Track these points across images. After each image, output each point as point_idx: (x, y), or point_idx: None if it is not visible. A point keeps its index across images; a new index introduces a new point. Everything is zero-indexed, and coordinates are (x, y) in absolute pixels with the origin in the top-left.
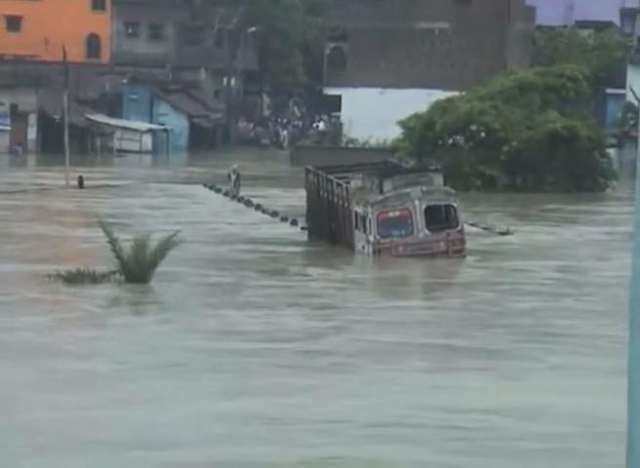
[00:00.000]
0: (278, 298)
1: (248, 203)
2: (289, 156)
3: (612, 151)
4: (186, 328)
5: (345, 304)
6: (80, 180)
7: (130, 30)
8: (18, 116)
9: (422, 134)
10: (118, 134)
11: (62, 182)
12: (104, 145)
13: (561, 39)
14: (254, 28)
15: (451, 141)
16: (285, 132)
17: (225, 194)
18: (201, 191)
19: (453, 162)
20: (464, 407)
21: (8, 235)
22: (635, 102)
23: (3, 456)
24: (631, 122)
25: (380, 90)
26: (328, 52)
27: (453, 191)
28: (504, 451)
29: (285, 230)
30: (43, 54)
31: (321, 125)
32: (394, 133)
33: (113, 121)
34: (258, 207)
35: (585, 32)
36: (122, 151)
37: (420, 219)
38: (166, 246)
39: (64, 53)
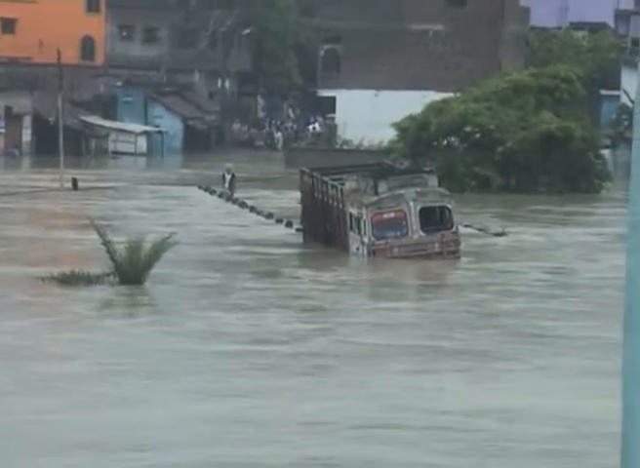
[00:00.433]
0: (267, 300)
1: (242, 204)
2: (283, 158)
3: (606, 152)
4: (173, 330)
5: (334, 306)
6: (74, 182)
7: (124, 33)
8: (12, 118)
9: (417, 135)
10: (113, 136)
11: (57, 184)
12: (99, 147)
13: (555, 40)
14: (248, 30)
15: (445, 143)
16: (279, 133)
17: (220, 196)
18: (196, 193)
19: (447, 163)
20: (444, 408)
21: (1, 237)
22: (629, 104)
23: None
24: (625, 123)
25: (374, 91)
26: (322, 53)
27: (447, 192)
28: (489, 453)
29: (280, 232)
30: (37, 56)
31: (316, 126)
32: (389, 134)
33: (108, 123)
34: (252, 208)
35: (580, 34)
36: (117, 153)
37: (414, 221)
38: (160, 248)
39: (59, 55)
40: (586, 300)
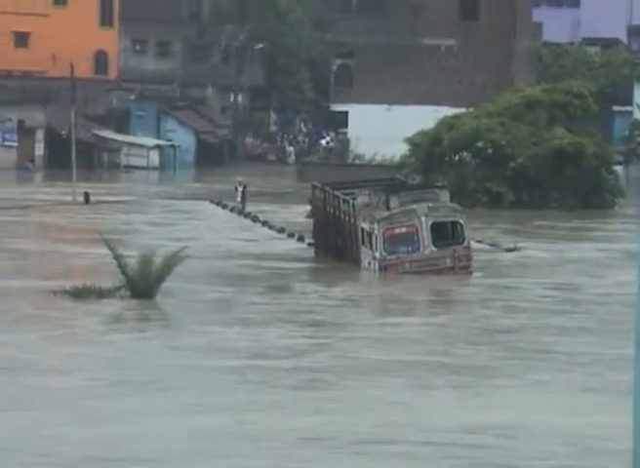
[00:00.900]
0: (273, 315)
1: (254, 219)
2: (295, 172)
3: (619, 168)
4: (175, 344)
5: (338, 321)
6: (86, 196)
7: (137, 47)
8: (25, 132)
9: (429, 150)
10: (125, 149)
11: (69, 198)
12: (111, 161)
13: (568, 56)
14: (260, 45)
15: (457, 158)
16: (292, 148)
17: (232, 210)
18: (208, 207)
19: (459, 178)
20: (439, 424)
21: (14, 251)
22: None
23: None
24: (638, 139)
25: (386, 106)
26: (335, 68)
27: (459, 207)
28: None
29: (291, 246)
30: (51, 70)
31: (329, 141)
32: (401, 149)
33: (120, 137)
34: (264, 223)
35: (592, 49)
36: (129, 167)
37: (426, 236)
38: (171, 262)
39: (72, 69)
40: (591, 316)
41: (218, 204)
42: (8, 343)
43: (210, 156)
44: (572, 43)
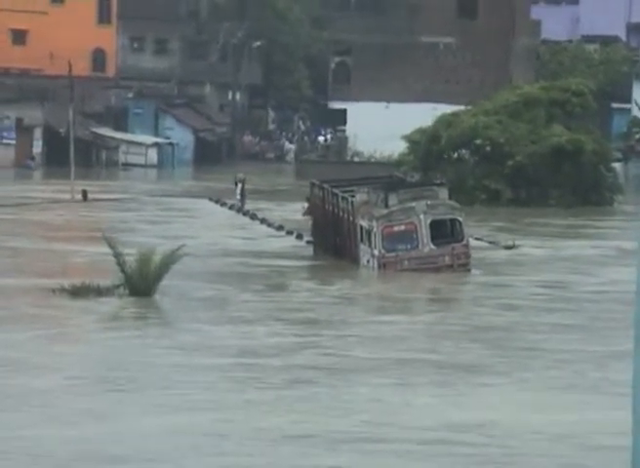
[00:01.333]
0: (266, 313)
1: (253, 216)
2: (294, 170)
3: (617, 165)
4: (165, 343)
5: (330, 319)
6: (84, 194)
7: (135, 45)
8: (23, 130)
9: (427, 148)
10: (123, 147)
11: (67, 196)
12: (110, 159)
13: (566, 53)
14: (258, 43)
15: (456, 155)
16: (290, 146)
17: (230, 208)
18: (206, 205)
19: (457, 176)
20: (416, 422)
21: (11, 248)
22: None
23: None
24: (637, 136)
25: (385, 104)
26: (333, 66)
27: (458, 205)
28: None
29: (290, 244)
30: (48, 68)
31: (327, 138)
32: (399, 147)
33: (118, 135)
34: (263, 220)
35: (591, 47)
36: (127, 165)
37: (425, 233)
38: (170, 260)
39: (70, 67)
40: (584, 314)
41: (216, 201)
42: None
43: (208, 154)
44: (570, 40)
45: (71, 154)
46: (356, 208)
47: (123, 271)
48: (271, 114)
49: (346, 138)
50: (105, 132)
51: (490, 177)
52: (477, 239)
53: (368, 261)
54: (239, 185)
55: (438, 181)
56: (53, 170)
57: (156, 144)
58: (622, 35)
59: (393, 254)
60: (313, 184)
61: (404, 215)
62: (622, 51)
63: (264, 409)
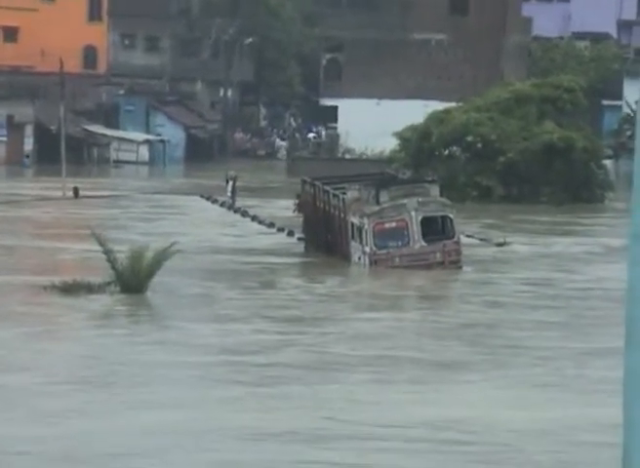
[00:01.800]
0: (252, 311)
1: (244, 214)
2: (285, 167)
3: (608, 163)
4: (148, 340)
5: (314, 316)
6: (75, 191)
7: (126, 42)
8: (14, 127)
9: (419, 145)
10: (115, 144)
11: (59, 193)
12: (101, 156)
13: (558, 50)
14: (250, 39)
15: (447, 152)
16: (282, 142)
17: (222, 205)
18: (198, 202)
19: (449, 173)
20: (378, 419)
21: (2, 246)
22: (632, 114)
23: None
24: (628, 133)
25: (376, 101)
26: (324, 63)
27: (449, 202)
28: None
29: (281, 241)
30: (39, 65)
31: (319, 134)
32: (391, 144)
33: (110, 132)
34: (254, 218)
35: (582, 44)
36: (119, 162)
37: (416, 230)
38: (162, 257)
39: (61, 64)
40: (569, 311)
41: (208, 199)
42: None
43: (199, 151)
44: (562, 37)
45: (62, 151)
46: (347, 205)
47: (114, 268)
48: (263, 111)
49: (338, 135)
50: (97, 129)
51: (481, 174)
52: (468, 236)
53: (359, 258)
54: (230, 183)
55: (429, 178)
56: (44, 167)
57: (147, 141)
58: (613, 32)
59: (384, 251)
60: (304, 181)
61: (395, 212)
62: (613, 48)
63: (235, 408)
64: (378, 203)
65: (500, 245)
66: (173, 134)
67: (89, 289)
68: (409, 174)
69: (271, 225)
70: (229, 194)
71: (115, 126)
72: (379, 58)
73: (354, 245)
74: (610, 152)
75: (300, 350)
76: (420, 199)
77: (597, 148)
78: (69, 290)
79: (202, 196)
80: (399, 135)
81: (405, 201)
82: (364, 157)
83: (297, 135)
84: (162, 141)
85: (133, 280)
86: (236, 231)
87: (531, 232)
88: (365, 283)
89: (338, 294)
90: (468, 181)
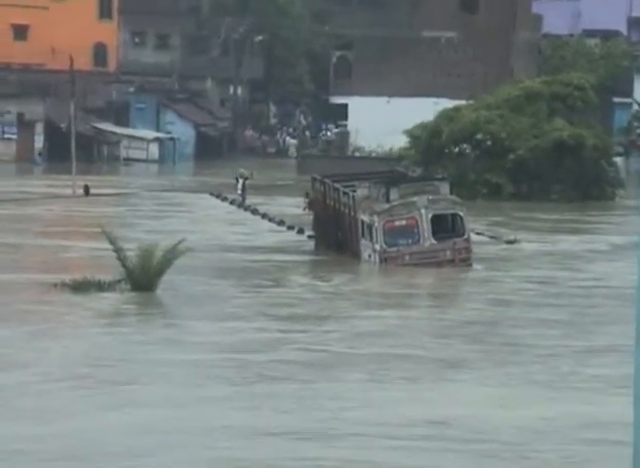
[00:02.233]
0: (257, 309)
1: (254, 211)
2: (295, 165)
3: (619, 160)
4: (148, 339)
5: (318, 314)
6: (86, 189)
7: (137, 39)
8: (24, 125)
9: (429, 142)
10: (125, 142)
11: (69, 191)
12: (111, 154)
13: (568, 48)
14: (260, 37)
15: (457, 150)
16: (291, 140)
17: (232, 202)
18: (208, 200)
19: (459, 170)
20: (369, 417)
21: (12, 244)
22: None
23: None
24: (638, 131)
25: (386, 98)
26: (334, 60)
27: (459, 200)
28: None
29: (291, 239)
30: (50, 62)
31: (329, 133)
32: (401, 141)
33: (120, 129)
34: (264, 215)
35: (592, 41)
36: (129, 160)
37: (426, 228)
38: (172, 254)
39: (71, 61)
40: (573, 309)
41: (217, 196)
42: None
43: (209, 149)
44: (572, 35)
45: (73, 149)
46: (357, 202)
47: (124, 266)
48: (272, 109)
49: (348, 133)
50: (107, 127)
51: (491, 172)
52: (478, 234)
53: (369, 256)
54: (240, 181)
55: (439, 176)
56: (54, 165)
57: (157, 139)
58: (624, 29)
59: (395, 249)
60: (314, 179)
61: (405, 210)
62: (623, 45)
63: (234, 406)
64: (388, 201)
65: (510, 242)
66: (183, 131)
67: (99, 286)
68: (419, 171)
69: (281, 223)
70: (239, 192)
71: (125, 124)
72: (388, 56)
73: (364, 243)
74: (620, 149)
75: (301, 348)
76: (430, 197)
77: (607, 146)
78: (80, 287)
79: (212, 194)
80: (409, 132)
81: (415, 199)
82: (374, 155)
83: (306, 132)
84: (172, 139)
85: (143, 278)
86: (246, 229)
87: (540, 230)
88: (374, 281)
89: (345, 292)
90: (478, 179)
